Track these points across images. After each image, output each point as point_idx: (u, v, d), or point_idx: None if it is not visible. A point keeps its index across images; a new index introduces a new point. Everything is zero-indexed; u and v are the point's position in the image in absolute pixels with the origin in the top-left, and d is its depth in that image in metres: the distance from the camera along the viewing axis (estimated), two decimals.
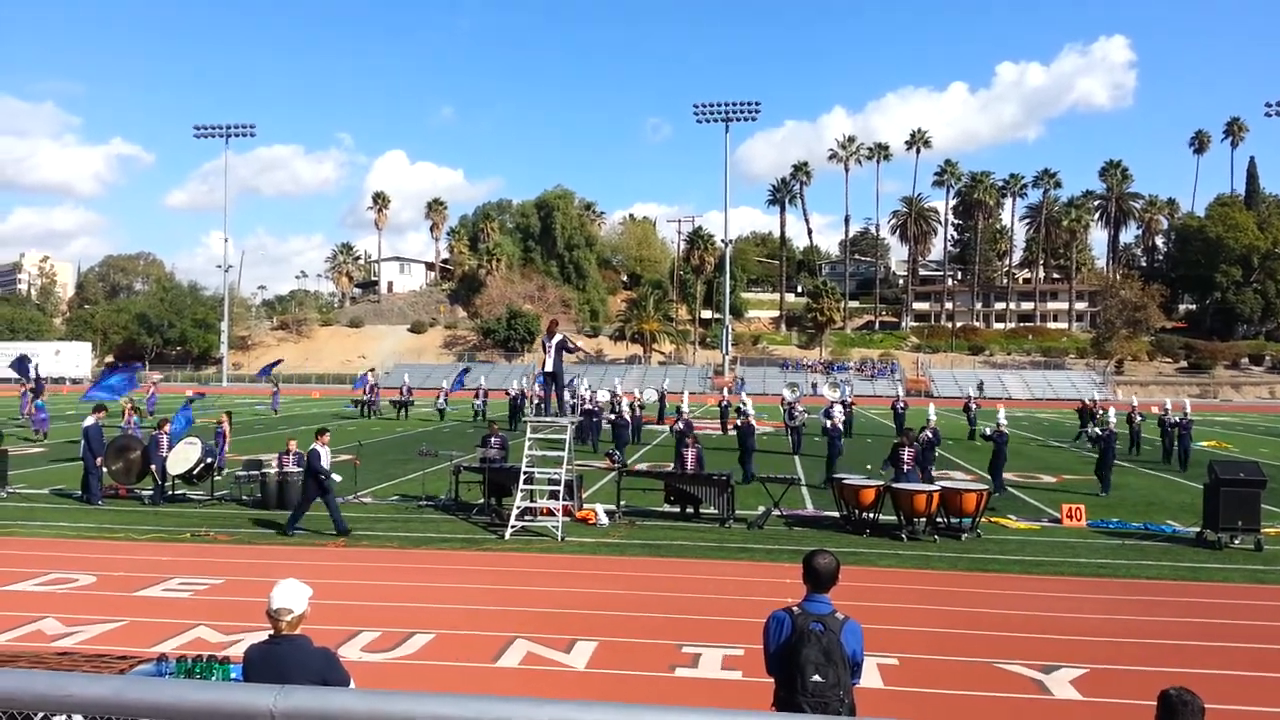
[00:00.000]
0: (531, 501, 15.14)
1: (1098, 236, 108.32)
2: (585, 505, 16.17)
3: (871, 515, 15.07)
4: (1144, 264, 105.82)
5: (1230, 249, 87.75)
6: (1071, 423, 36.86)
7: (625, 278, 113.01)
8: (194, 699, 2.18)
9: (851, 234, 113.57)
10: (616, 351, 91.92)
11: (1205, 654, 8.91)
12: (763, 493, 17.24)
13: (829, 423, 22.54)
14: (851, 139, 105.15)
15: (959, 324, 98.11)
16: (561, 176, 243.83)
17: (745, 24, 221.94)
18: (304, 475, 14.55)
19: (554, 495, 14.76)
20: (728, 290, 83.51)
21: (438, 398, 42.67)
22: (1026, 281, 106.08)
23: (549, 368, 15.85)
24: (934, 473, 19.22)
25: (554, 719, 2.08)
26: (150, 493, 17.30)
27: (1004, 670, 8.36)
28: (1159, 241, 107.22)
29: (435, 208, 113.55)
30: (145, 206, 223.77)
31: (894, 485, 15.11)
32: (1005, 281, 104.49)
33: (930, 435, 19.25)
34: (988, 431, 21.50)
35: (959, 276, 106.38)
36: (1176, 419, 25.96)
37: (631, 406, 31.83)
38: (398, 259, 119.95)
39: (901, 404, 35.63)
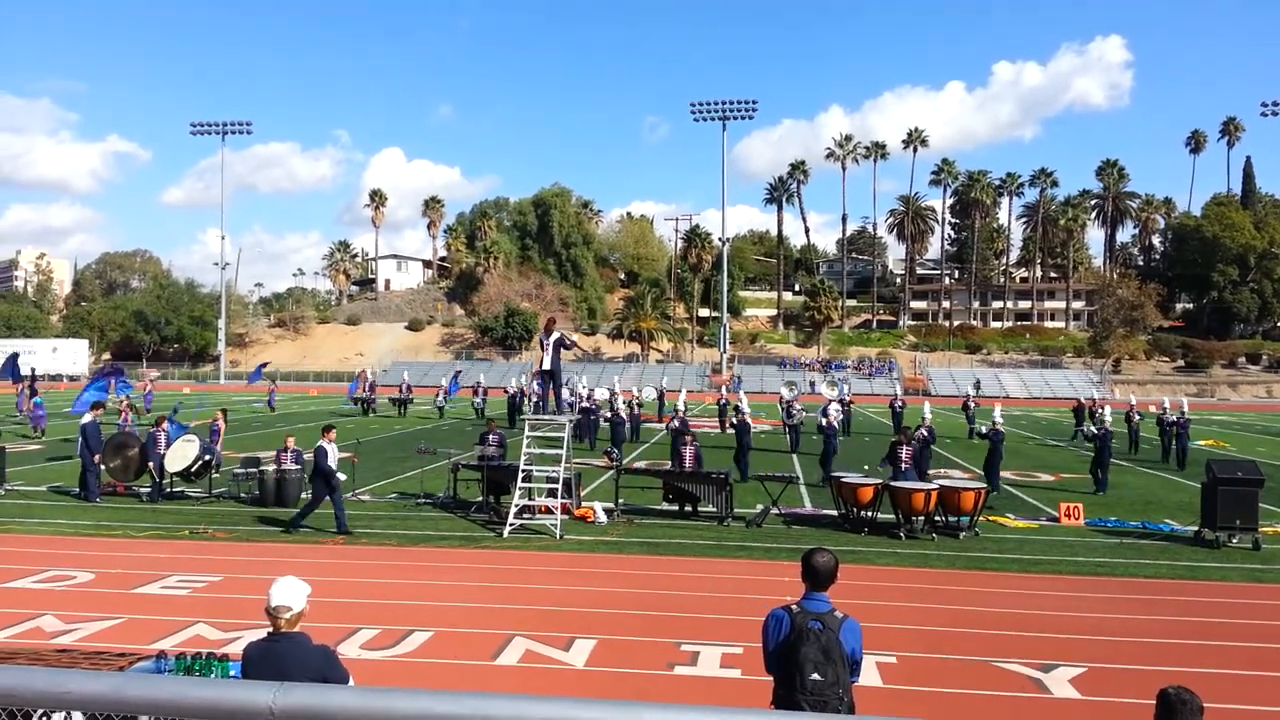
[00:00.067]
0: (530, 499, 15.13)
1: (1095, 236, 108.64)
2: (584, 503, 16.17)
3: (870, 514, 15.08)
4: (1141, 263, 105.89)
5: (1227, 248, 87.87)
6: (1069, 421, 36.90)
7: (623, 276, 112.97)
8: (193, 696, 2.18)
9: (849, 233, 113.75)
10: (614, 350, 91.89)
11: (1203, 653, 8.92)
12: (761, 491, 17.25)
13: (824, 420, 22.56)
14: (849, 138, 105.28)
15: (956, 323, 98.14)
16: (559, 175, 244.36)
17: (743, 24, 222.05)
18: (313, 473, 14.52)
19: (552, 493, 14.75)
20: (725, 288, 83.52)
21: (437, 395, 42.67)
22: (1024, 280, 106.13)
23: (547, 365, 15.85)
24: (932, 471, 19.25)
25: (552, 717, 2.08)
26: (148, 490, 17.28)
27: (1002, 669, 8.37)
28: (1156, 241, 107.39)
29: (432, 206, 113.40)
30: (142, 204, 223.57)
31: (892, 484, 15.11)
32: (1002, 280, 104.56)
33: (925, 434, 19.29)
34: (983, 430, 21.53)
35: (956, 275, 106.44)
36: (1174, 418, 25.98)
37: (630, 405, 31.83)
38: (395, 257, 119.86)
39: (899, 403, 35.65)
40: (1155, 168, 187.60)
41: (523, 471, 14.79)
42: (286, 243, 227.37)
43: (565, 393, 21.61)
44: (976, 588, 11.36)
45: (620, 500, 16.36)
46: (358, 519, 15.18)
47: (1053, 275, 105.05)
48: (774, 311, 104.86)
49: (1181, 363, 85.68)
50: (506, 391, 38.34)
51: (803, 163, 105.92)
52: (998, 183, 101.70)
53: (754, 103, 79.30)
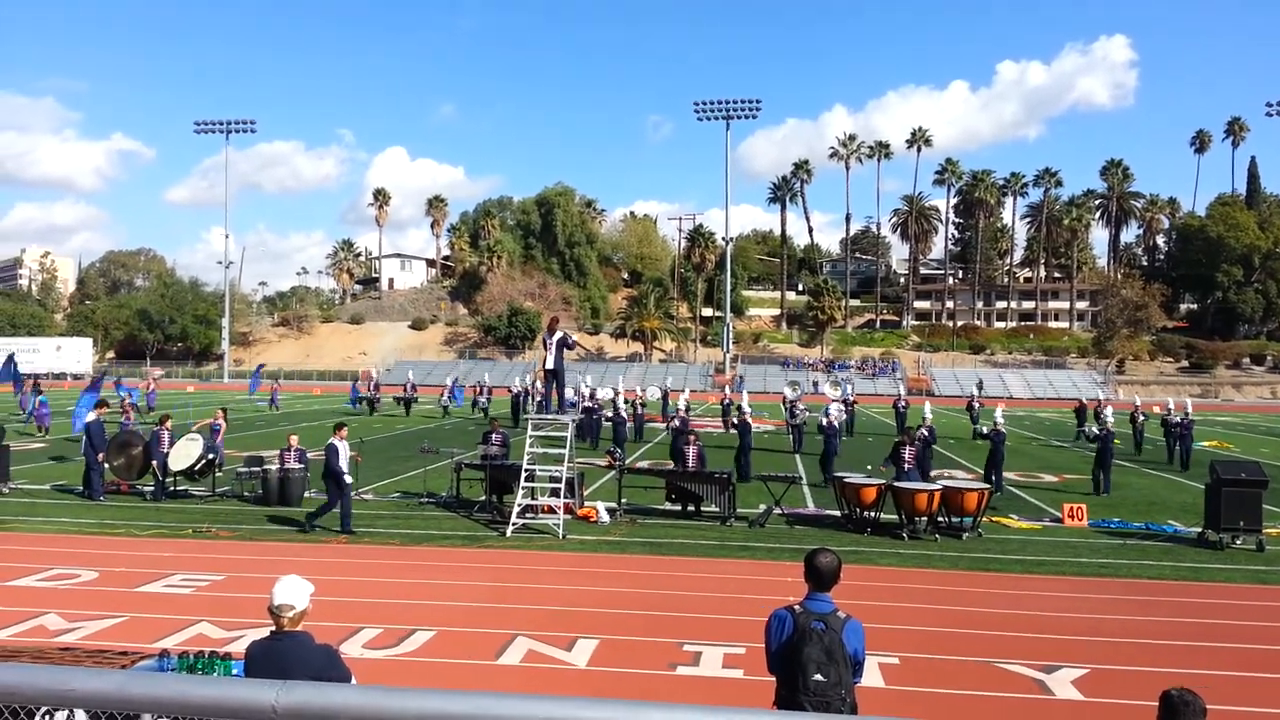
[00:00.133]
0: (533, 499, 15.14)
1: (1099, 236, 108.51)
2: (586, 503, 16.17)
3: (873, 514, 15.07)
4: (1145, 263, 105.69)
5: (1231, 249, 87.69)
6: (1072, 422, 36.83)
7: (626, 275, 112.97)
8: (196, 694, 2.18)
9: (852, 232, 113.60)
10: (617, 349, 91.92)
11: (1207, 654, 8.90)
12: (764, 491, 17.25)
13: (824, 420, 22.55)
14: (852, 137, 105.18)
15: (960, 323, 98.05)
16: (562, 174, 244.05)
17: (746, 23, 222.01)
18: (325, 472, 14.53)
19: (555, 493, 14.76)
20: (729, 288, 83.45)
21: (441, 395, 42.70)
22: (1027, 280, 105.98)
23: (550, 365, 15.85)
24: (936, 472, 19.23)
25: (556, 717, 2.08)
26: (152, 489, 17.31)
27: (1005, 670, 8.36)
28: (1160, 241, 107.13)
29: (436, 205, 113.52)
30: (146, 202, 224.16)
31: (895, 484, 15.10)
32: (1006, 280, 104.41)
33: (926, 434, 19.28)
34: (984, 430, 21.51)
35: (960, 275, 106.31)
36: (1178, 419, 25.93)
37: (633, 405, 31.80)
38: (398, 256, 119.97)
39: (903, 403, 35.58)
40: (1160, 167, 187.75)
41: (526, 471, 14.80)
42: (290, 241, 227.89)
43: (569, 392, 21.61)
44: (979, 589, 11.35)
45: (623, 500, 16.36)
46: (360, 518, 15.20)
47: (1057, 275, 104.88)
48: (777, 311, 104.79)
49: (1185, 363, 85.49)
50: (510, 390, 38.36)
51: (806, 162, 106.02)
52: (1002, 182, 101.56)
53: (757, 102, 79.27)
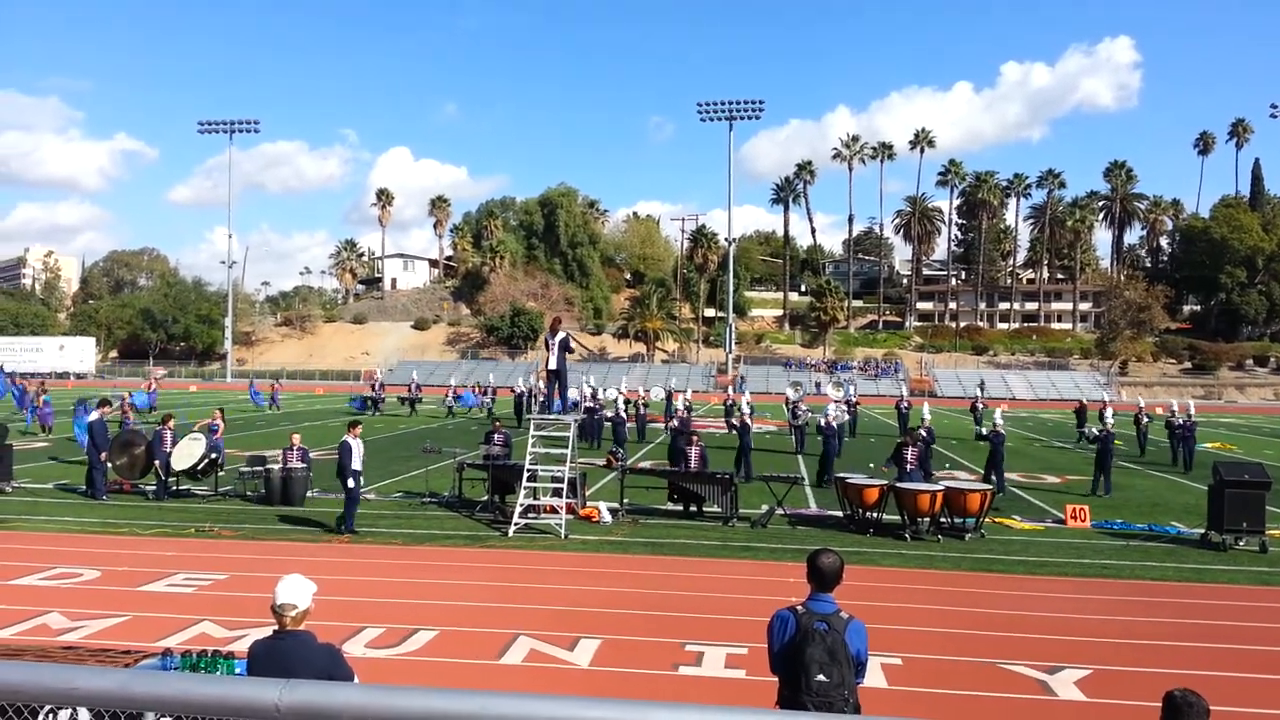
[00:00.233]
0: (535, 499, 15.14)
1: (1102, 237, 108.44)
2: (589, 503, 16.17)
3: (875, 515, 15.06)
4: (1148, 265, 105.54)
5: (1235, 250, 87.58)
6: (1073, 424, 36.76)
7: (628, 276, 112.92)
8: (199, 693, 2.18)
9: (855, 233, 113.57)
10: (620, 350, 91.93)
11: (1210, 655, 8.88)
12: (766, 491, 17.24)
13: (823, 421, 22.54)
14: (855, 138, 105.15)
15: (963, 324, 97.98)
16: (565, 174, 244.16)
17: (749, 23, 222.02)
18: (337, 470, 14.53)
19: (557, 493, 14.76)
20: (731, 289, 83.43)
21: (445, 395, 42.75)
22: (1030, 282, 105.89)
23: (552, 365, 15.85)
24: (940, 473, 19.21)
25: (558, 716, 2.08)
26: (154, 488, 17.32)
27: (1008, 671, 8.35)
28: (1163, 242, 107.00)
29: (439, 205, 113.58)
30: (149, 202, 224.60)
31: (898, 485, 15.09)
32: (1009, 282, 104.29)
33: (925, 434, 19.28)
34: (984, 431, 21.51)
35: (963, 276, 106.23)
36: (1181, 420, 25.89)
37: (636, 405, 31.78)
38: (401, 256, 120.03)
39: (905, 404, 35.52)
40: (1163, 169, 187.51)
41: (528, 471, 14.81)
42: (293, 241, 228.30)
43: (572, 392, 21.60)
44: (982, 589, 11.34)
45: (625, 500, 16.36)
46: (363, 517, 15.19)
47: (1060, 276, 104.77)
48: (780, 312, 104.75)
49: (1189, 365, 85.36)
50: (513, 391, 38.41)
51: (809, 163, 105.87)
52: (1005, 183, 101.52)
53: (760, 103, 79.25)
